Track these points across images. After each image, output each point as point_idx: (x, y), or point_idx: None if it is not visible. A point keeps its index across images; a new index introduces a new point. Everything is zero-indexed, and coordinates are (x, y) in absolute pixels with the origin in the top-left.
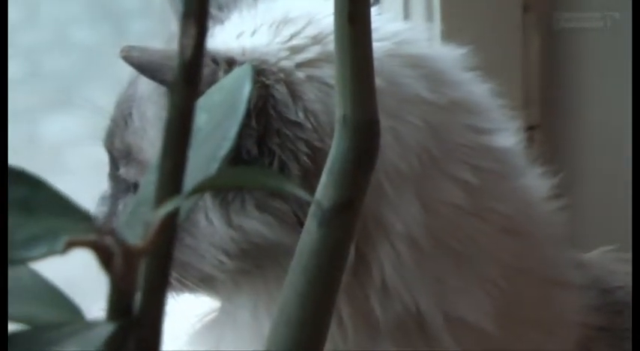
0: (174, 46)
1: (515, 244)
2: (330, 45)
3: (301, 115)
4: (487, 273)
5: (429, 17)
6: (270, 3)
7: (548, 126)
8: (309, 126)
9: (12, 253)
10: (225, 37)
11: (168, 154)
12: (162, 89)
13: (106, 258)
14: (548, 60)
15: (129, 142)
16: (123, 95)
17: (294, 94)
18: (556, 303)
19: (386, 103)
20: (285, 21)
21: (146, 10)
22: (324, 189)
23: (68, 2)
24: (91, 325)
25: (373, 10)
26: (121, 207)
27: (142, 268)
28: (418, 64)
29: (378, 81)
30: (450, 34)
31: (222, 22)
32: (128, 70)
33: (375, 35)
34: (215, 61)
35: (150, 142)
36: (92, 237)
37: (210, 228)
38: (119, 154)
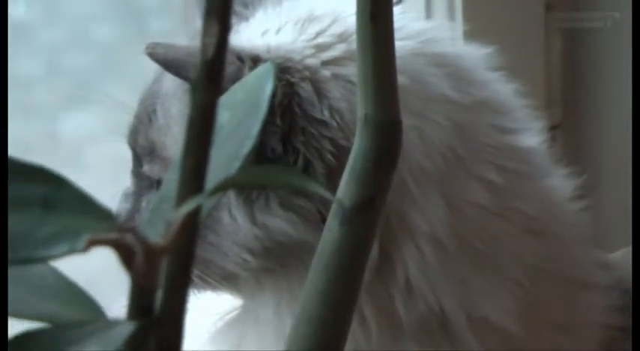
0: (198, 43)
1: (540, 244)
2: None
3: (326, 113)
4: (511, 273)
5: (451, 17)
6: (296, 1)
7: (571, 125)
8: (334, 124)
9: (33, 252)
10: (250, 34)
11: (190, 152)
12: (187, 86)
13: (127, 256)
14: (571, 59)
15: (153, 139)
16: (147, 92)
17: (320, 92)
18: (580, 303)
19: (411, 102)
20: (311, 19)
21: (166, 7)
22: (346, 188)
23: (88, 0)
24: (111, 323)
25: (397, 9)
26: (144, 204)
27: (163, 267)
28: (443, 63)
29: (403, 79)
30: (471, 34)
31: (247, 19)
32: (148, 68)
33: (399, 34)
34: (240, 58)
35: (174, 139)
36: (113, 235)
37: (234, 226)
38: (143, 151)
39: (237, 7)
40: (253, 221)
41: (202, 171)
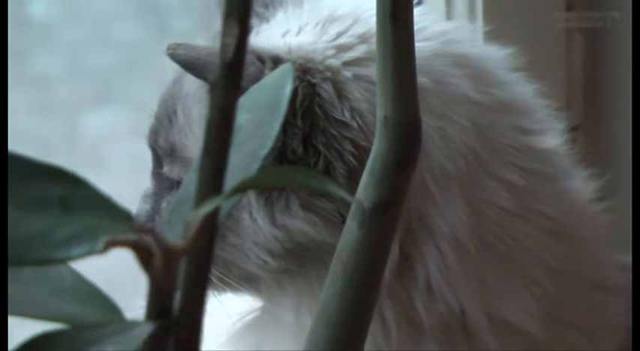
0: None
1: (560, 246)
2: None
3: (347, 114)
4: (532, 275)
5: (472, 17)
6: (316, 1)
7: (592, 126)
8: (355, 125)
9: (52, 253)
10: (270, 35)
11: (209, 152)
12: (208, 87)
13: (145, 257)
14: (592, 59)
15: (173, 140)
16: (167, 93)
17: (341, 93)
18: (600, 305)
19: (432, 103)
20: (332, 19)
21: (188, 7)
22: (365, 189)
23: None
24: (130, 325)
25: (418, 10)
26: (164, 205)
27: (182, 268)
28: (464, 64)
29: (425, 80)
30: (492, 34)
31: (267, 20)
32: (169, 67)
33: (421, 35)
34: (261, 59)
35: (194, 140)
36: (132, 236)
37: (254, 227)
38: (163, 151)
39: (257, 8)
40: (273, 222)
41: (221, 172)
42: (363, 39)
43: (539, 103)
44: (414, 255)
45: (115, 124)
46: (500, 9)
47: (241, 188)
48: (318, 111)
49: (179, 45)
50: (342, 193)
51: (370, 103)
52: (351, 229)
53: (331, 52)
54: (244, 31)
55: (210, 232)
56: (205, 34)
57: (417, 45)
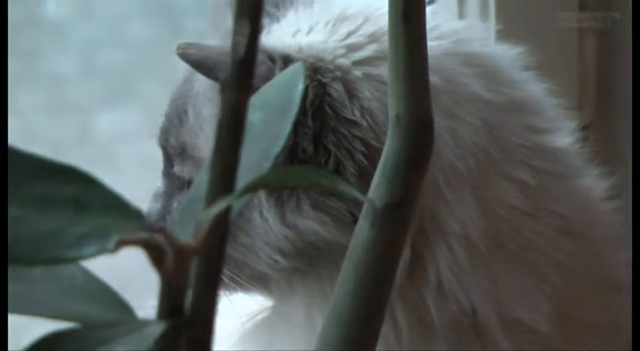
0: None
1: (572, 245)
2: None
3: (357, 113)
4: (543, 274)
5: (484, 16)
6: (327, 1)
7: (603, 125)
8: (366, 124)
9: (63, 252)
10: (281, 34)
11: (220, 152)
12: (219, 87)
13: (157, 256)
14: (604, 58)
15: (184, 140)
16: (178, 92)
17: (351, 93)
18: (612, 304)
19: (443, 102)
20: (342, 19)
21: (201, 7)
22: (377, 188)
23: None
24: (141, 324)
25: (430, 9)
26: (175, 204)
27: (193, 267)
28: (476, 63)
29: (436, 79)
30: (504, 33)
31: (278, 20)
32: (182, 67)
33: (432, 34)
34: (271, 58)
35: (205, 139)
36: (143, 235)
37: (265, 226)
38: (174, 151)
39: (268, 7)
40: (284, 222)
41: (232, 171)
42: (373, 38)
43: (551, 101)
44: (426, 255)
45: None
46: (512, 8)
47: (252, 188)
48: (329, 110)
49: (189, 44)
50: (354, 193)
51: (380, 102)
52: (362, 229)
53: (341, 51)
54: (256, 30)
55: (221, 231)
56: (217, 34)
57: (428, 44)
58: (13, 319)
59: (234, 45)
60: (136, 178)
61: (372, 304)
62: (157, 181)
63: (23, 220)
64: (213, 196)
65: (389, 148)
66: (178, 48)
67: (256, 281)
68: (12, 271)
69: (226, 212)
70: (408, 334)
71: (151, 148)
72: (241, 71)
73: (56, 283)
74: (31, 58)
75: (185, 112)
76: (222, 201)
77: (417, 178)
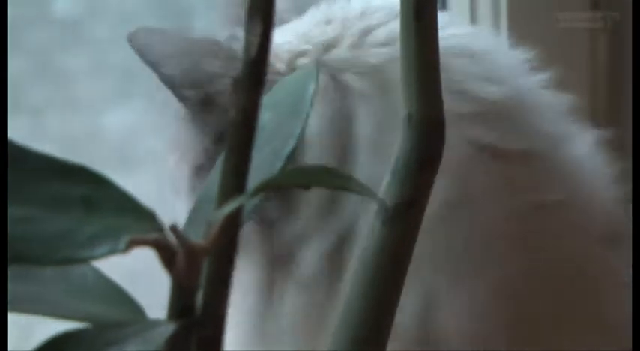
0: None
1: (577, 243)
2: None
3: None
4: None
5: (496, 21)
6: (341, 2)
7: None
8: None
9: (74, 252)
10: (291, 34)
11: (231, 152)
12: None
13: (168, 257)
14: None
15: None
16: None
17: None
18: (615, 303)
19: None
20: (356, 20)
21: (210, 5)
22: (388, 188)
23: None
24: (152, 324)
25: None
26: None
27: (204, 267)
28: (485, 66)
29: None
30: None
31: (289, 20)
32: None
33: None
34: (281, 58)
35: None
36: (154, 235)
37: None
38: None
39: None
40: None
41: (244, 171)
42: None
43: (562, 106)
44: None
45: (139, 122)
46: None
47: (264, 188)
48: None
49: (141, 29)
50: (366, 192)
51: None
52: (373, 229)
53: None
54: (268, 29)
55: (232, 231)
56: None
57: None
58: (14, 319)
59: (247, 44)
60: (147, 176)
61: (383, 304)
62: (166, 178)
63: (35, 220)
64: (224, 196)
65: (400, 148)
66: (129, 34)
67: None
68: (23, 271)
69: (238, 212)
70: None
71: (161, 145)
72: (253, 71)
73: (67, 283)
74: (43, 56)
75: None
76: (233, 201)
77: (427, 178)
